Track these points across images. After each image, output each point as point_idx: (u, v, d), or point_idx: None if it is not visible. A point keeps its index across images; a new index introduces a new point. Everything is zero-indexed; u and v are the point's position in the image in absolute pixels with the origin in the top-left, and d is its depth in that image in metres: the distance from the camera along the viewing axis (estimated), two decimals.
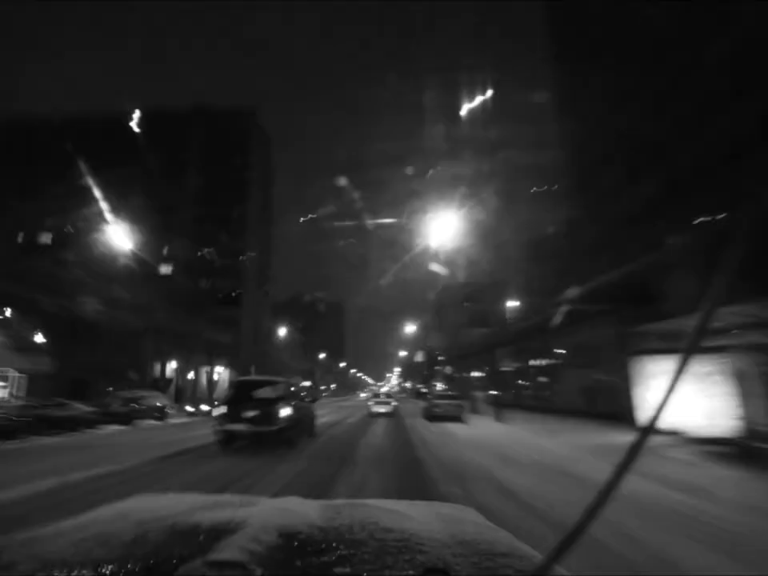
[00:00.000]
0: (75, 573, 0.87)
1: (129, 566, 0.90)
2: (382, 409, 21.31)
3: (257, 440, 9.41)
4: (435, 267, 28.08)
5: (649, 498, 5.39)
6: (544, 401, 22.65)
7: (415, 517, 1.24)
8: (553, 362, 22.34)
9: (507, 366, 27.46)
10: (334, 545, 1.00)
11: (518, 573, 0.90)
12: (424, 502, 1.51)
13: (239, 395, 9.69)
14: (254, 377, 14.07)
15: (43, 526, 1.14)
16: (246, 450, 9.36)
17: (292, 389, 11.15)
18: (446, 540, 1.05)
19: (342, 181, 31.03)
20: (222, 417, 9.43)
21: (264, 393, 9.66)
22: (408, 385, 69.74)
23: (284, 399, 9.67)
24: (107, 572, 0.88)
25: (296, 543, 1.01)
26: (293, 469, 7.22)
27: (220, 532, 1.04)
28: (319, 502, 1.38)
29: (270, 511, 1.22)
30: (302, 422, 10.85)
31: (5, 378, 20.50)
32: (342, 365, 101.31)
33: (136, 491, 1.67)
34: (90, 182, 26.95)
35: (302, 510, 1.25)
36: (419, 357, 61.12)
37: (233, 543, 0.95)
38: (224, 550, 0.91)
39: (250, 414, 9.19)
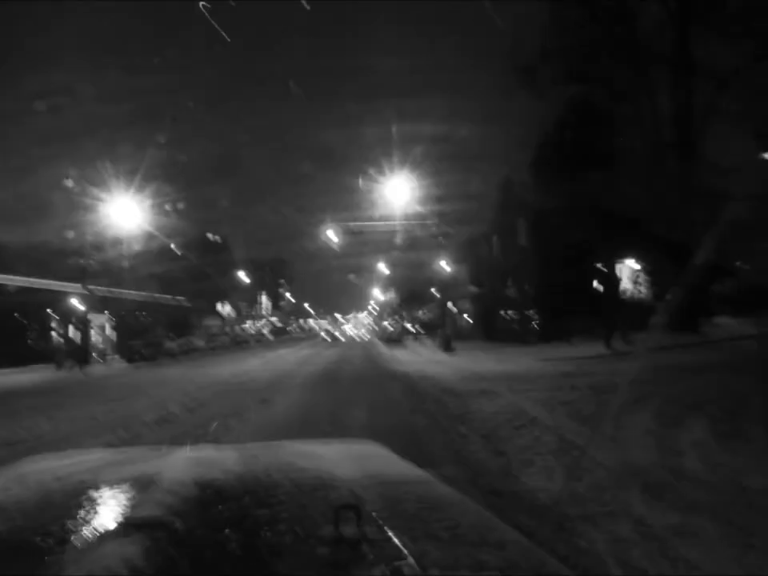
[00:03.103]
0: None
1: (35, 535, 0.82)
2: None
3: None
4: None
5: None
6: None
7: (327, 455, 1.28)
8: None
9: None
10: (250, 489, 1.01)
11: (419, 498, 0.98)
12: (336, 440, 1.63)
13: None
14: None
15: None
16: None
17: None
18: (355, 475, 1.09)
19: None
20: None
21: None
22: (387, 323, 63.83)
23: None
24: (9, 543, 0.81)
25: (213, 491, 0.99)
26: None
27: (132, 488, 1.00)
28: (235, 446, 1.38)
29: (183, 462, 1.18)
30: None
31: None
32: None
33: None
34: None
35: (217, 457, 1.22)
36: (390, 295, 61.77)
37: (147, 499, 0.90)
38: (138, 506, 0.88)
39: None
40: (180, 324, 37.38)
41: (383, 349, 28.30)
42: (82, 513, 0.89)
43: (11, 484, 1.07)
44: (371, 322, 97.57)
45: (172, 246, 39.89)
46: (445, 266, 27.57)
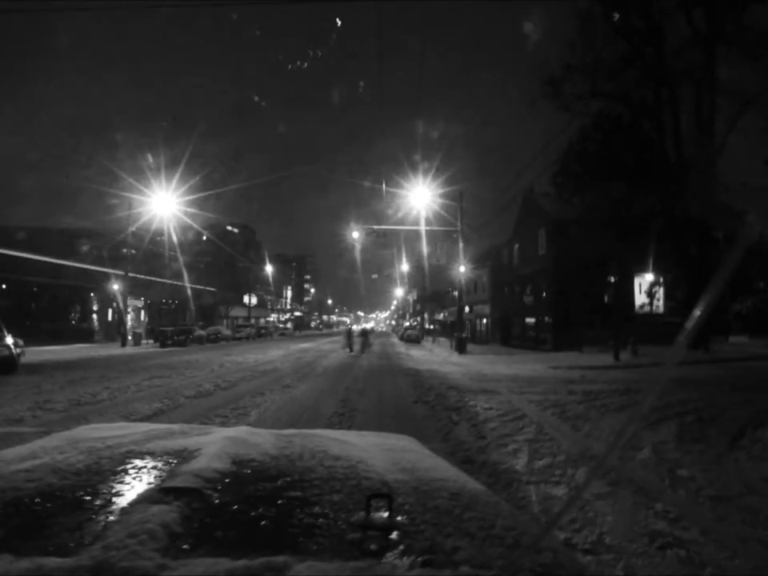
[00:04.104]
0: (28, 500, 0.87)
1: (84, 493, 0.90)
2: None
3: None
4: None
5: None
6: None
7: (361, 446, 1.28)
8: None
9: None
10: (285, 471, 1.03)
11: (451, 495, 0.97)
12: (370, 432, 1.61)
13: None
14: None
15: None
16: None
17: None
18: (388, 467, 1.10)
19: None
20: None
21: None
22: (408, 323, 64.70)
23: None
24: (61, 500, 0.88)
25: (249, 470, 1.03)
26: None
27: (174, 460, 1.04)
28: (271, 432, 1.39)
29: (222, 440, 1.21)
30: None
31: None
32: None
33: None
34: None
35: (254, 439, 1.25)
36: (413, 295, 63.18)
37: (187, 471, 0.95)
38: (178, 477, 0.92)
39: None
40: (208, 313, 39.33)
41: (401, 348, 29.21)
42: (127, 478, 0.95)
43: (66, 448, 1.14)
44: (392, 321, 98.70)
45: (204, 237, 41.99)
46: (465, 270, 28.23)
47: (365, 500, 0.83)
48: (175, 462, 1.03)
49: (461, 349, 23.66)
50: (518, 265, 27.81)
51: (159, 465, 1.03)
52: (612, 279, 19.55)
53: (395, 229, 22.42)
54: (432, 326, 49.86)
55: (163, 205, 26.41)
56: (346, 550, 0.74)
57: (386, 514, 0.82)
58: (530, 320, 26.45)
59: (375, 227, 22.66)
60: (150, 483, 0.92)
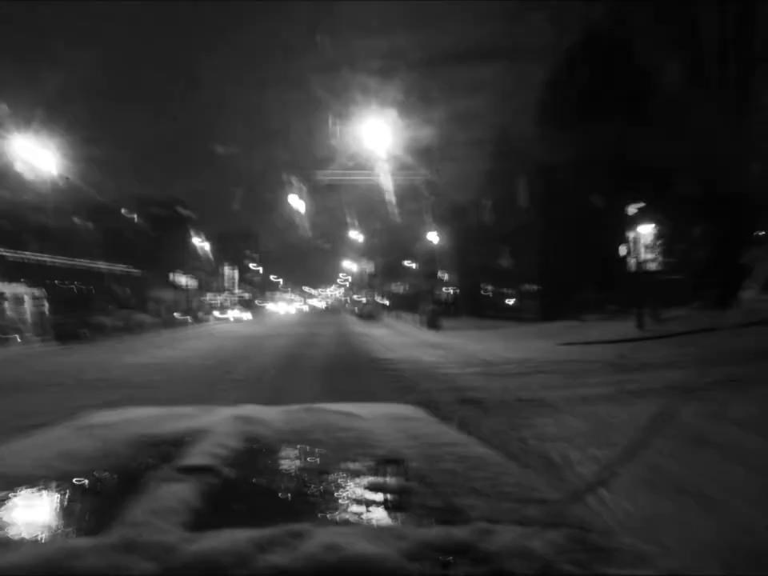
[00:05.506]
0: (44, 487, 0.88)
1: (99, 477, 0.91)
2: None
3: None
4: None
5: None
6: None
7: (368, 417, 1.29)
8: None
9: None
10: (297, 445, 1.09)
11: (460, 458, 1.00)
12: (375, 403, 1.65)
13: None
14: None
15: None
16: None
17: None
18: (396, 435, 1.13)
19: None
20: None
21: None
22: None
23: None
24: (78, 485, 0.89)
25: (260, 445, 1.06)
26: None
27: (185, 441, 1.04)
28: (277, 408, 1.40)
29: (231, 419, 1.22)
30: None
31: None
32: None
33: None
34: None
35: (261, 416, 1.25)
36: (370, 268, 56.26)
37: (199, 449, 0.96)
38: (192, 456, 0.93)
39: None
40: (127, 296, 32.86)
41: (359, 326, 25.14)
42: (141, 461, 0.97)
43: (75, 435, 1.17)
44: (340, 296, 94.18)
45: (123, 211, 35.24)
46: (431, 234, 24.34)
47: (380, 466, 0.88)
48: (187, 442, 1.03)
49: (432, 324, 19.97)
50: (492, 224, 24.21)
51: (172, 446, 1.03)
52: (614, 231, 16.42)
53: (343, 174, 17.38)
54: (387, 300, 46.01)
55: (41, 157, 20.02)
56: (364, 512, 0.78)
57: (400, 478, 0.87)
58: (508, 289, 23.22)
59: (319, 172, 17.95)
60: (164, 464, 0.91)
